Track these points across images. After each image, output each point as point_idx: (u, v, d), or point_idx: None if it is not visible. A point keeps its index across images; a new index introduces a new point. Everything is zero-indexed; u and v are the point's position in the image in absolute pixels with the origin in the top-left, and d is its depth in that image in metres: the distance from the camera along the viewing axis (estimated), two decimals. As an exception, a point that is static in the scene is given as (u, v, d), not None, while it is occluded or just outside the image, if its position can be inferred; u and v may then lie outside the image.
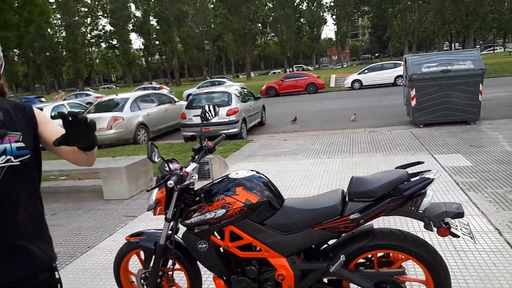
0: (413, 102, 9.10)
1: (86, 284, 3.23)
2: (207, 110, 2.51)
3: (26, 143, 1.41)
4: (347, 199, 2.13)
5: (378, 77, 23.80)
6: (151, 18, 59.73)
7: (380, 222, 3.59)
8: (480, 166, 5.46)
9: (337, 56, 67.17)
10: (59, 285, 1.52)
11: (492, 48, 61.15)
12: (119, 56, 64.13)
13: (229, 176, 2.31)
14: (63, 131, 1.26)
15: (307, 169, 6.13)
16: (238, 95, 11.05)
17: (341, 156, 6.84)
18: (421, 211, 2.06)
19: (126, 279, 2.65)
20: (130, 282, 2.68)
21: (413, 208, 2.06)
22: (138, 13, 61.33)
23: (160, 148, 9.34)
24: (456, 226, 2.03)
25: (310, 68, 62.74)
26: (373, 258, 2.24)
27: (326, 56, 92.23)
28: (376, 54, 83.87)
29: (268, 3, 58.89)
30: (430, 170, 2.14)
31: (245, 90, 12.24)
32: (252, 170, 2.36)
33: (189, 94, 25.98)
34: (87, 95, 28.59)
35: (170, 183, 2.12)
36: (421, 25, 57.43)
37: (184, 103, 14.24)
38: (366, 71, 24.64)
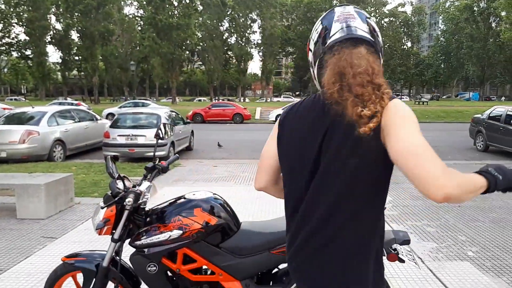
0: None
1: (-3, 313, 2.83)
2: (161, 128, 2.42)
3: None
4: (305, 222, 2.17)
5: (300, 113, 24.99)
6: (72, 32, 56.77)
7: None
8: (399, 201, 5.93)
9: (261, 90, 69.48)
10: None
11: (400, 97, 67.93)
12: (32, 67, 59.52)
13: (186, 196, 2.24)
14: None
15: (239, 195, 6.13)
16: (168, 118, 10.84)
17: (271, 186, 6.96)
18: (373, 236, 2.17)
19: (56, 304, 2.36)
20: (61, 308, 2.40)
21: (366, 233, 2.16)
22: (58, 26, 57.94)
23: (78, 167, 8.80)
24: (402, 252, 2.17)
25: (236, 100, 63.99)
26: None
27: (251, 90, 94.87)
28: (297, 93, 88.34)
29: (198, 33, 59.59)
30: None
31: (174, 113, 12.05)
32: (209, 192, 2.31)
33: (110, 113, 24.95)
34: (-8, 105, 25.87)
35: (129, 200, 2.01)
36: (339, 70, 62.27)
37: (107, 121, 13.59)
38: (289, 107, 25.75)
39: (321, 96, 1.29)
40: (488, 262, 3.73)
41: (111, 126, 10.52)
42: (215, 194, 2.32)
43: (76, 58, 60.21)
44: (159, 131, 2.38)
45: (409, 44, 68.08)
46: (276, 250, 2.12)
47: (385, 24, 63.03)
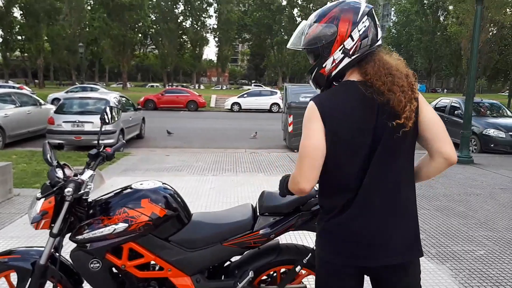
0: (290, 128, 9.75)
1: None
2: (107, 112, 2.26)
3: None
4: (258, 213, 2.11)
5: (256, 102, 25.03)
6: (15, 9, 52.86)
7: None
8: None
9: (217, 77, 68.74)
10: None
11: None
12: (-31, 47, 54.91)
13: (132, 186, 2.11)
14: None
15: (193, 186, 6.01)
16: (117, 103, 10.39)
17: (225, 174, 6.89)
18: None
19: (-14, 308, 2.17)
20: (-9, 312, 2.21)
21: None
22: (-2, 2, 53.62)
23: (19, 156, 8.26)
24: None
25: (191, 86, 62.89)
26: (275, 274, 2.26)
27: (206, 77, 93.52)
28: (253, 81, 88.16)
29: (151, 15, 57.60)
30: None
31: (124, 99, 11.58)
32: (159, 181, 2.19)
33: (55, 99, 23.61)
34: None
35: (69, 190, 1.84)
36: (295, 59, 62.79)
37: (51, 107, 12.85)
38: (245, 95, 25.73)
39: (356, 86, 1.46)
40: (433, 249, 3.90)
41: (56, 112, 9.96)
42: (164, 184, 2.20)
43: (19, 37, 56.25)
44: (105, 115, 2.21)
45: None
46: (229, 242, 2.05)
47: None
